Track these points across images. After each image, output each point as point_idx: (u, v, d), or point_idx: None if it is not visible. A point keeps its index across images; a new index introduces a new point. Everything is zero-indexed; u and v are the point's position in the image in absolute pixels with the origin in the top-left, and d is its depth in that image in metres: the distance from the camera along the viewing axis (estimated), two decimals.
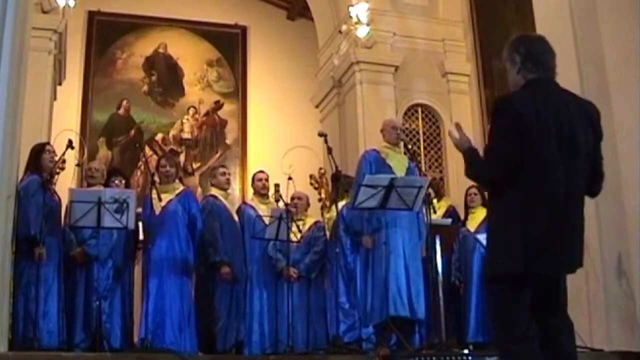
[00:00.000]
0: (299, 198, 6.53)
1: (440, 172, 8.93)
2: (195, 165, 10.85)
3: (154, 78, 11.15)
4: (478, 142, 8.92)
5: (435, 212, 6.20)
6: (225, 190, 6.39)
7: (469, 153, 3.02)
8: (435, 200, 6.61)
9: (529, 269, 2.75)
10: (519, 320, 2.80)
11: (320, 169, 8.87)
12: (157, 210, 5.67)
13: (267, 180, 6.48)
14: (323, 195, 8.61)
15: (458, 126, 3.12)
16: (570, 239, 2.84)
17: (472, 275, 6.26)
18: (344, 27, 9.22)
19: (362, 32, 8.89)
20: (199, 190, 9.85)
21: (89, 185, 5.93)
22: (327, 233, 6.36)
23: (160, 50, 11.31)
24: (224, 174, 6.41)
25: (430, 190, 6.55)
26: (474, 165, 2.99)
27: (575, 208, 2.87)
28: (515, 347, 2.78)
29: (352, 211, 5.78)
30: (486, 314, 6.11)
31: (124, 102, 10.88)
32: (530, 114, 2.81)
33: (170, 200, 5.77)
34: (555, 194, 2.80)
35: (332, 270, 6.16)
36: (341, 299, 6.00)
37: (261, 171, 6.62)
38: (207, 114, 11.27)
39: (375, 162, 5.70)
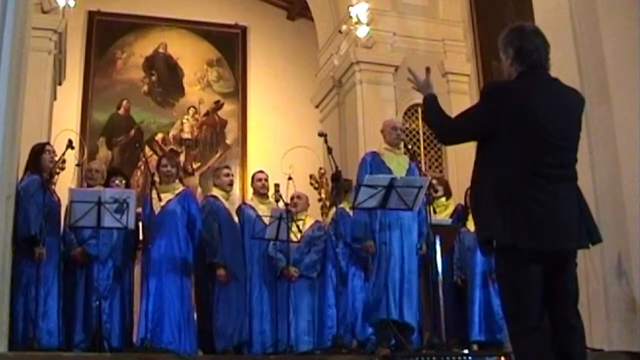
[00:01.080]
0: (298, 197, 6.54)
1: (440, 172, 8.92)
2: (195, 165, 10.84)
3: (154, 78, 11.15)
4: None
5: (435, 212, 6.21)
6: (227, 191, 6.38)
7: (429, 98, 3.24)
8: (443, 199, 6.62)
9: (517, 242, 2.81)
10: (529, 311, 2.81)
11: (320, 169, 8.87)
12: (157, 210, 5.66)
13: (266, 180, 6.47)
14: (323, 195, 8.62)
15: (428, 71, 3.37)
16: (560, 219, 2.87)
17: (475, 275, 6.25)
18: (344, 27, 9.22)
19: (362, 32, 8.89)
20: (199, 190, 9.84)
21: (89, 185, 5.92)
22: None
23: (160, 50, 11.31)
24: (227, 175, 6.38)
25: (440, 188, 6.57)
26: (434, 115, 3.19)
27: (566, 191, 2.92)
28: (526, 340, 2.79)
29: (353, 217, 5.80)
30: (490, 312, 6.12)
31: (124, 102, 10.87)
32: (514, 104, 2.92)
33: (169, 201, 5.77)
34: (540, 177, 2.87)
35: (330, 270, 6.16)
36: (334, 301, 6.01)
37: (261, 171, 6.61)
38: (207, 114, 11.27)
39: (375, 165, 5.70)
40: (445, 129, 3.18)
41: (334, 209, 6.22)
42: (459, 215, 6.51)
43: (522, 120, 2.89)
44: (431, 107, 3.23)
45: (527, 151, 2.88)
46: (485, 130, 2.98)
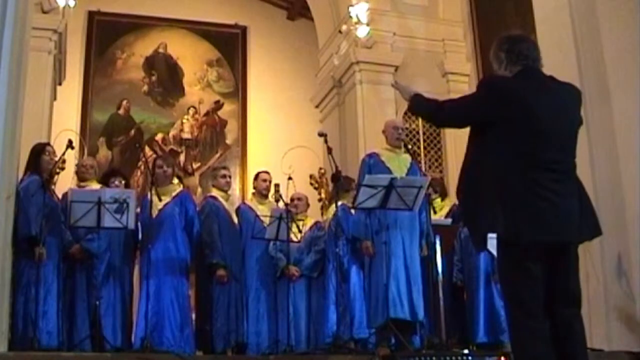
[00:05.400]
0: (298, 199, 6.52)
1: (440, 172, 8.92)
2: (195, 165, 10.86)
3: (154, 78, 11.16)
4: None
5: (435, 212, 6.21)
6: (225, 192, 6.38)
7: (414, 95, 3.30)
8: (439, 200, 6.61)
9: (520, 235, 2.83)
10: (530, 301, 2.83)
11: (320, 169, 8.87)
12: (155, 212, 5.66)
13: (270, 182, 6.44)
14: (323, 195, 8.61)
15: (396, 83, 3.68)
16: (561, 212, 2.90)
17: (480, 275, 6.22)
18: (344, 27, 9.23)
19: (362, 32, 8.90)
20: (199, 190, 9.85)
21: (80, 180, 5.88)
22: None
23: (160, 50, 11.32)
24: (224, 176, 6.38)
25: (437, 189, 6.55)
26: (421, 104, 3.27)
27: (566, 185, 2.96)
28: (529, 322, 2.81)
29: (352, 217, 5.79)
30: (494, 313, 6.11)
31: (124, 102, 10.88)
32: (514, 93, 2.96)
33: (167, 203, 5.77)
34: (540, 172, 2.90)
35: (330, 269, 6.16)
36: (334, 300, 6.01)
37: (266, 172, 6.54)
38: (207, 114, 11.27)
39: (376, 166, 5.70)
40: (437, 110, 3.20)
41: (333, 206, 6.21)
42: (454, 216, 6.49)
43: (521, 116, 2.92)
44: (418, 102, 3.29)
45: (525, 146, 2.91)
46: (484, 118, 3.00)
